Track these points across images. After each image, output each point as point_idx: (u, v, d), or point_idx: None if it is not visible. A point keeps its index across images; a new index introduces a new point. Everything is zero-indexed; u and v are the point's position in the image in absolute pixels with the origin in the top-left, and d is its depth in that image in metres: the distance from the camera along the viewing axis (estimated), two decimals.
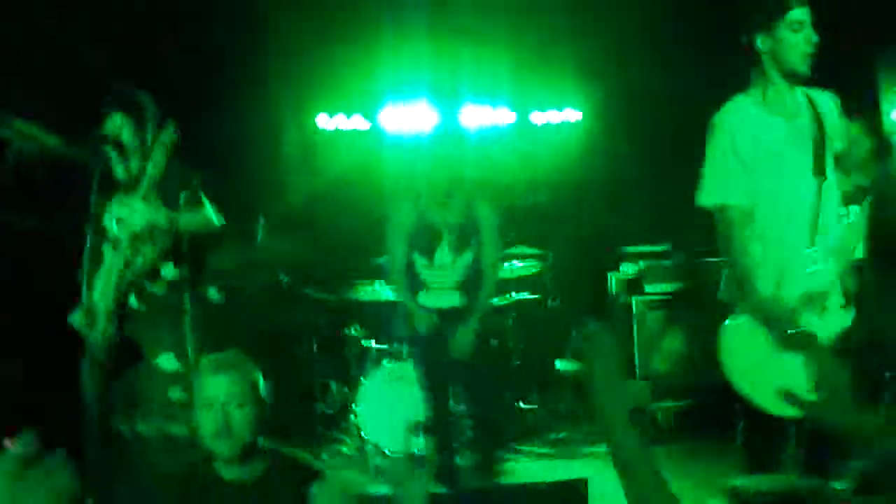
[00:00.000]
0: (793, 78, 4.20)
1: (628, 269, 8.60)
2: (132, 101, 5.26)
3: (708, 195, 4.25)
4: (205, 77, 8.62)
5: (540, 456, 7.85)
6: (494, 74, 9.81)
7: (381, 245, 6.63)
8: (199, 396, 3.65)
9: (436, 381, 6.29)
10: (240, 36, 8.77)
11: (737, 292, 4.16)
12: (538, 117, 10.23)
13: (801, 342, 3.89)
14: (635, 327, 8.19)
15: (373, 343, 7.81)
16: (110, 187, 5.24)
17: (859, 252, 4.45)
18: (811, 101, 4.26)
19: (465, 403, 6.76)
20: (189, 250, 5.26)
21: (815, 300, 4.03)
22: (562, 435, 8.13)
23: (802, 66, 4.12)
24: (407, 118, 10.00)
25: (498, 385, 7.34)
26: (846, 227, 4.35)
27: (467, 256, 6.07)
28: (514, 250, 8.34)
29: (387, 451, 7.20)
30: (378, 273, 7.74)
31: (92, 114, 5.24)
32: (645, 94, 9.01)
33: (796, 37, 4.07)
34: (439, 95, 9.96)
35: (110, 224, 5.17)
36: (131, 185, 5.20)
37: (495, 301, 6.98)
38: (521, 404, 8.38)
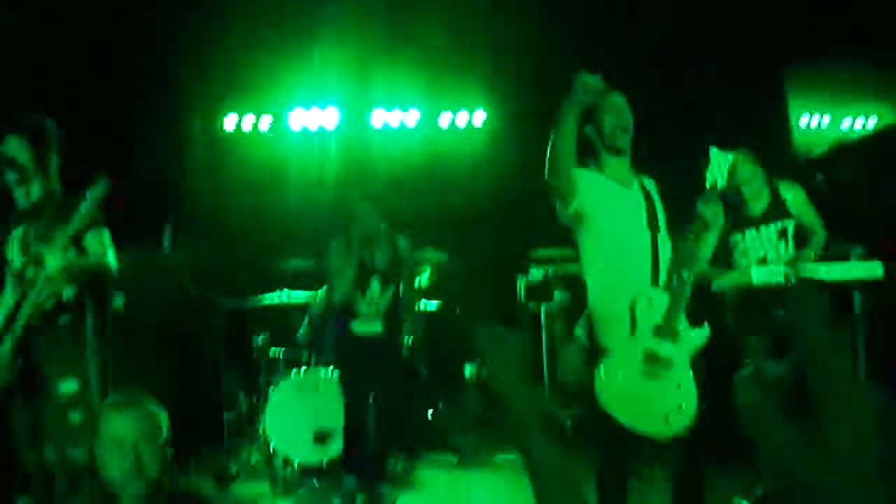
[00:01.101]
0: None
1: (536, 275, 8.64)
2: (30, 124, 5.12)
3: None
4: (110, 78, 8.46)
5: (449, 464, 7.89)
6: (403, 76, 9.80)
7: (287, 249, 6.79)
8: (106, 437, 3.56)
9: (356, 395, 6.73)
10: (148, 35, 8.63)
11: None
12: (446, 119, 10.22)
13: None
14: (543, 333, 8.23)
15: (281, 351, 7.74)
16: (10, 213, 5.12)
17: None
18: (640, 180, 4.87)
19: (375, 414, 6.79)
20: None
21: (663, 329, 4.47)
22: (470, 443, 8.13)
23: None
24: (315, 120, 9.94)
25: (406, 395, 7.36)
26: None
27: (390, 290, 6.87)
28: (422, 255, 8.27)
29: (294, 463, 7.16)
30: (284, 278, 7.68)
31: None
32: (552, 95, 9.06)
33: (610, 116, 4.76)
34: (348, 98, 9.92)
35: (12, 254, 5.05)
36: (33, 213, 5.08)
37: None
38: (430, 413, 8.36)
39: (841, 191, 5.88)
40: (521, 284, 8.70)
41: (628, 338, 4.53)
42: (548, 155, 4.62)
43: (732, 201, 6.09)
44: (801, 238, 6.16)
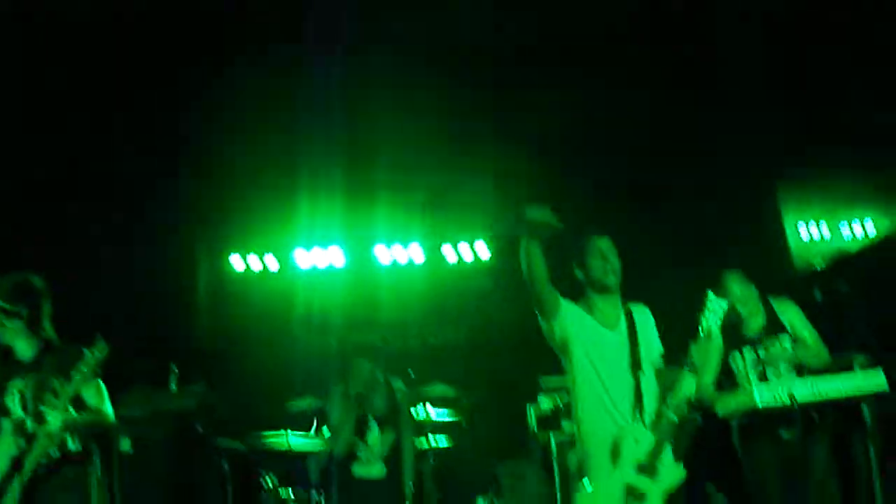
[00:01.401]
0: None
1: (546, 404, 8.54)
2: (21, 284, 5.28)
3: None
4: (117, 214, 8.58)
5: None
6: (406, 212, 9.89)
7: (291, 391, 6.71)
8: None
9: None
10: (158, 173, 8.79)
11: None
12: (449, 253, 10.28)
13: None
14: (555, 464, 8.08)
15: (290, 493, 7.62)
16: (10, 364, 5.26)
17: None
18: (629, 314, 5.16)
19: None
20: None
21: (646, 467, 4.80)
22: None
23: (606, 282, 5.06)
24: (319, 259, 10.01)
25: None
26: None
27: (389, 436, 7.16)
28: (430, 389, 8.19)
29: None
30: (288, 421, 7.59)
31: None
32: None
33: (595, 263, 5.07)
34: (351, 237, 10.00)
35: (13, 405, 5.16)
36: (31, 366, 5.21)
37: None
38: None
39: (841, 304, 5.81)
40: (531, 414, 8.59)
41: (611, 470, 4.83)
42: (527, 283, 4.90)
43: (730, 320, 5.97)
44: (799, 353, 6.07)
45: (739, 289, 6.10)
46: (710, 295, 4.93)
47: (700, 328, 4.89)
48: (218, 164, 9.25)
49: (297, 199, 9.50)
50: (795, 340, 6.02)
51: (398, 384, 7.36)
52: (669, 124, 8.63)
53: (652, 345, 5.20)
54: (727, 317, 5.81)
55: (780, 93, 8.07)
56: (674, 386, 4.86)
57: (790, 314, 6.16)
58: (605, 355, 5.03)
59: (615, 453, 4.85)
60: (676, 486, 4.83)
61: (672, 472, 4.84)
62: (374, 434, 7.16)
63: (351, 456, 7.14)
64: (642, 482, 4.76)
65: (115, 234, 8.73)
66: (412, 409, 7.60)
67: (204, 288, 9.80)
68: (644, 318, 5.24)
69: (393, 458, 7.21)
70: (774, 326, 6.12)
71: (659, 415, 4.86)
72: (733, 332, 6.08)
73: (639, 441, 4.82)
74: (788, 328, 6.11)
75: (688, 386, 4.83)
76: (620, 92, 8.23)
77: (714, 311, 4.93)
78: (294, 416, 7.87)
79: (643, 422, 4.91)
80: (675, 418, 4.80)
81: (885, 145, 7.54)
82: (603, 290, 5.10)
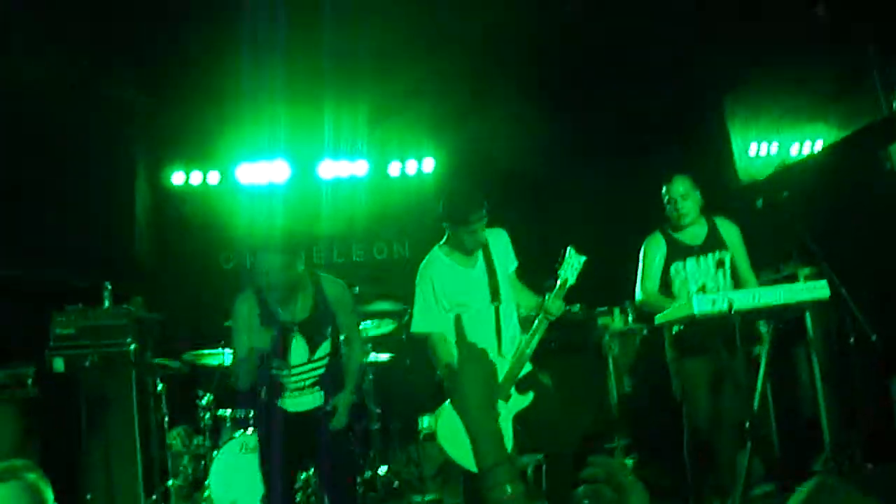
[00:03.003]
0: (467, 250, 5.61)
1: None
2: None
3: (416, 325, 5.65)
4: (53, 121, 8.31)
5: None
6: (351, 129, 9.68)
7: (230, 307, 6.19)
8: None
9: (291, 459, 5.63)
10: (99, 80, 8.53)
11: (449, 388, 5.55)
12: (394, 168, 10.11)
13: None
14: None
15: (228, 413, 7.49)
16: None
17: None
18: (485, 247, 5.63)
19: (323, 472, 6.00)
20: None
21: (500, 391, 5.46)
22: (428, 498, 7.81)
23: (475, 248, 5.58)
24: (263, 173, 9.77)
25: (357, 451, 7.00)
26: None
27: (324, 348, 5.58)
28: (371, 307, 8.03)
29: None
30: (227, 337, 7.38)
31: None
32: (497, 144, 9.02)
33: (472, 237, 5.49)
34: (296, 151, 9.77)
35: None
36: None
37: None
38: (383, 468, 8.05)
39: (782, 211, 5.66)
40: None
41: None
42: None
43: (670, 230, 6.17)
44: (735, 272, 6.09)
45: (683, 184, 6.11)
46: (571, 251, 5.41)
47: (557, 280, 5.41)
48: (162, 76, 8.97)
49: (241, 113, 9.20)
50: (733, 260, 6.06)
51: (331, 284, 5.74)
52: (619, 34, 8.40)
53: (508, 266, 5.72)
54: (668, 222, 6.16)
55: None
56: (530, 332, 5.48)
57: (731, 234, 6.15)
58: (465, 293, 5.57)
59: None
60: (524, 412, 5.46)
61: (520, 399, 5.47)
62: (298, 349, 5.55)
63: (274, 386, 5.57)
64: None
65: (50, 147, 8.40)
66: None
67: (142, 203, 9.53)
68: (498, 240, 5.71)
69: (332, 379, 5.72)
70: (714, 241, 6.10)
71: (519, 349, 5.49)
72: (673, 244, 6.11)
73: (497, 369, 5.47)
74: (728, 246, 6.09)
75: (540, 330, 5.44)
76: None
77: (571, 265, 5.43)
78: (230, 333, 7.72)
79: (500, 350, 5.52)
80: (528, 352, 5.47)
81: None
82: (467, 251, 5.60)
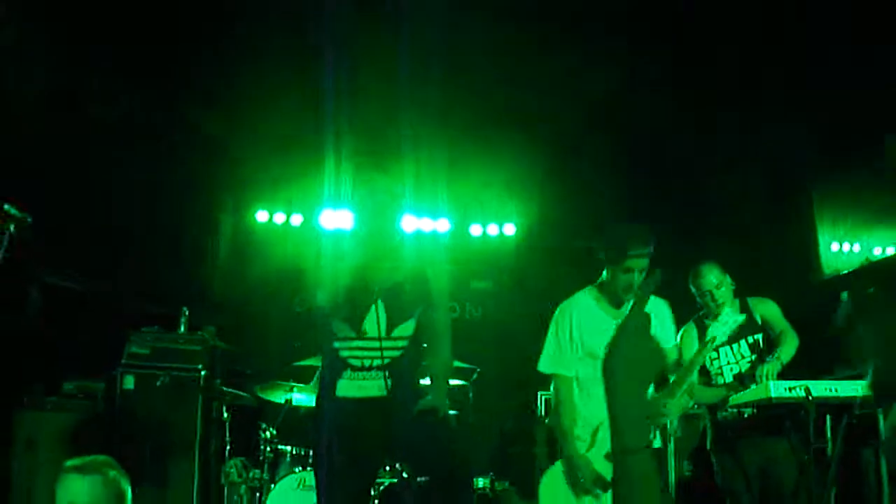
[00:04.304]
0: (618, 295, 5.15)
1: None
2: None
3: (545, 365, 5.26)
4: (145, 160, 8.55)
5: None
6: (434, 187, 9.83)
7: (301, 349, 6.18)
8: (61, 499, 3.42)
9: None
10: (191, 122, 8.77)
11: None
12: (476, 229, 10.26)
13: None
14: (559, 450, 7.96)
15: (288, 447, 7.55)
16: None
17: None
18: (639, 303, 5.09)
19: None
20: None
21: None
22: None
23: (626, 294, 5.09)
24: (345, 220, 9.90)
25: None
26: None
27: (405, 328, 4.66)
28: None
29: None
30: (295, 375, 7.50)
31: None
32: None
33: (627, 276, 5.02)
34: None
35: None
36: None
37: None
38: None
39: (866, 306, 5.66)
40: (541, 398, 8.55)
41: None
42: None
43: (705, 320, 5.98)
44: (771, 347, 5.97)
45: (717, 278, 5.96)
46: (728, 309, 5.28)
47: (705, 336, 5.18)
48: (253, 119, 9.20)
49: (326, 161, 9.40)
50: (771, 333, 5.98)
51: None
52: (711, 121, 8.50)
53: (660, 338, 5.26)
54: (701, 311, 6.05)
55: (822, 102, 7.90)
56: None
57: (767, 311, 6.06)
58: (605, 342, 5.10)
59: (593, 440, 5.02)
60: None
61: None
62: (373, 320, 4.60)
63: (335, 365, 4.67)
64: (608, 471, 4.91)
65: (141, 181, 8.67)
66: None
67: (226, 238, 9.75)
68: (657, 309, 5.23)
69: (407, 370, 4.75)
70: (749, 326, 5.95)
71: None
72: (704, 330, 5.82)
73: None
74: (764, 323, 6.02)
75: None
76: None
77: (726, 323, 5.21)
78: (300, 372, 7.82)
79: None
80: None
81: None
82: (618, 295, 5.17)
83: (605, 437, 4.94)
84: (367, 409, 4.57)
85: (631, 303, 5.06)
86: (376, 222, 4.68)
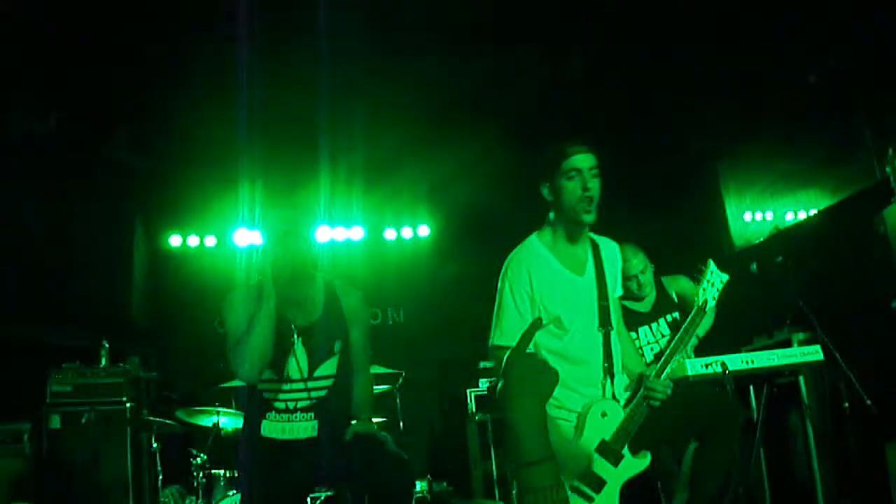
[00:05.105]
0: (575, 224, 4.34)
1: (485, 385, 8.52)
2: None
3: (499, 336, 4.29)
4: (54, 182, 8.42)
5: None
6: (348, 196, 9.82)
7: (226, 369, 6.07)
8: None
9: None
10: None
11: None
12: (390, 234, 10.29)
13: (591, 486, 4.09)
14: (491, 445, 8.04)
15: (222, 472, 7.47)
16: None
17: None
18: (595, 251, 4.46)
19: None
20: None
21: (606, 450, 4.14)
22: None
23: (581, 213, 4.26)
24: (259, 238, 9.84)
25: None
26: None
27: (328, 366, 4.55)
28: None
29: None
30: (221, 398, 7.43)
31: None
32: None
33: (572, 184, 4.23)
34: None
35: None
36: None
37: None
38: None
39: (777, 275, 5.76)
40: (471, 395, 8.56)
41: (570, 444, 4.16)
42: None
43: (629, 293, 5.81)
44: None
45: (642, 263, 5.95)
46: (711, 265, 4.44)
47: (696, 301, 4.41)
48: (161, 141, 9.11)
49: (239, 179, 9.32)
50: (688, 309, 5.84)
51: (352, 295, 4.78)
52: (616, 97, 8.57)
53: (616, 289, 4.53)
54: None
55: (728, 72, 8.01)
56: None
57: (680, 286, 6.05)
58: (570, 309, 4.31)
59: (579, 425, 4.18)
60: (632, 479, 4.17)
61: (636, 461, 4.17)
62: (295, 361, 4.51)
63: (259, 404, 4.55)
64: (601, 466, 4.11)
65: (52, 207, 8.53)
66: None
67: (140, 264, 9.63)
68: (610, 251, 4.55)
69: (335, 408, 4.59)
70: (664, 304, 6.01)
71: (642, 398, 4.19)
72: (627, 311, 5.62)
73: (609, 416, 4.18)
74: (676, 299, 6.03)
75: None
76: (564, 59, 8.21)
77: (713, 284, 4.47)
78: (227, 393, 7.75)
79: (612, 392, 4.26)
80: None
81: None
82: (574, 223, 4.34)
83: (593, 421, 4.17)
84: (294, 449, 4.48)
85: (590, 258, 4.42)
86: (292, 270, 4.47)
